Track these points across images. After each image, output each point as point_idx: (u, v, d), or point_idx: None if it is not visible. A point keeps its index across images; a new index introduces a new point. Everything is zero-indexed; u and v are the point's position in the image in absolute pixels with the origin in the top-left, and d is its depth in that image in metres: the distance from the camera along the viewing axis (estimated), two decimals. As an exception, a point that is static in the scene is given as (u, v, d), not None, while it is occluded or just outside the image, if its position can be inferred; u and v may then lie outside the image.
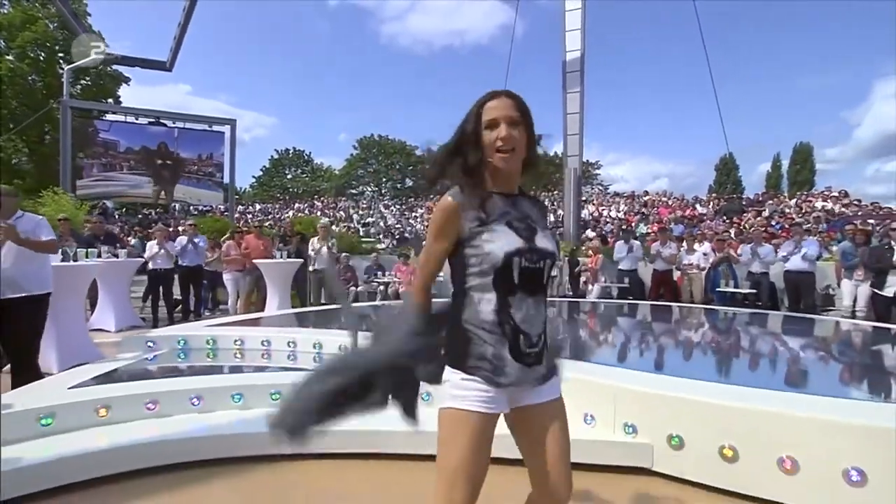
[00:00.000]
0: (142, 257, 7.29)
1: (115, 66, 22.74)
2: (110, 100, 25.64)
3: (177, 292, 7.62)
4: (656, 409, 2.47)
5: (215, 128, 19.16)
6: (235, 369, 3.77)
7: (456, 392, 1.19)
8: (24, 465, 2.25)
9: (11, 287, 3.29)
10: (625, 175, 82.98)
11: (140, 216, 25.23)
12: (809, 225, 10.92)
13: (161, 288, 7.13)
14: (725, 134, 18.32)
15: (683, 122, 72.60)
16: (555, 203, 18.65)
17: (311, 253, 7.44)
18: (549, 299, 1.31)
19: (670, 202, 18.78)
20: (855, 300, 6.62)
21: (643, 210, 17.44)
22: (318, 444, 2.63)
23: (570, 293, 8.47)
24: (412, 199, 33.06)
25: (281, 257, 7.53)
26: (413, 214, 25.55)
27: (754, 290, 7.37)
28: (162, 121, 18.29)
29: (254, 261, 7.41)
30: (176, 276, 7.48)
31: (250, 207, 30.70)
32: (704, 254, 7.99)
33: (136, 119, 17.86)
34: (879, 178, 59.88)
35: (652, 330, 5.43)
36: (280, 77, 79.54)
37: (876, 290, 6.06)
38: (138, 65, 17.74)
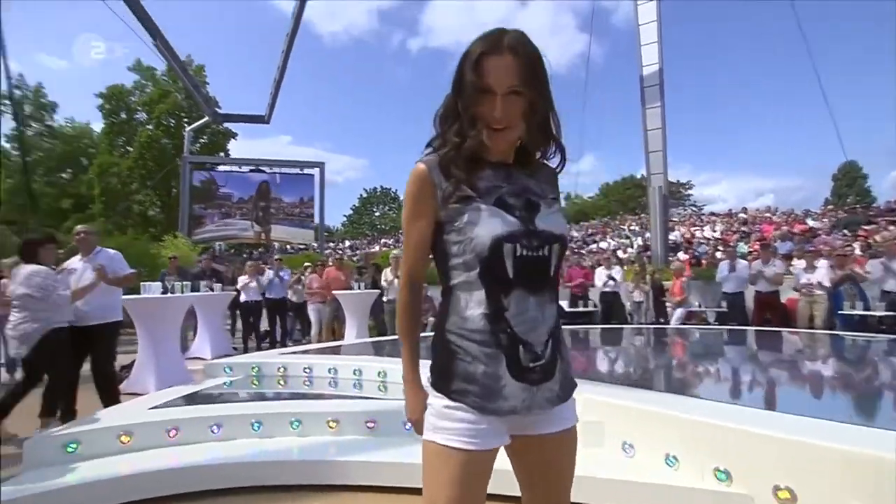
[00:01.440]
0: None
1: (225, 124, 25.75)
2: (221, 153, 29.07)
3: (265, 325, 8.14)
4: (759, 452, 2.02)
5: (306, 171, 20.90)
6: (300, 395, 3.82)
7: (438, 423, 0.96)
8: (98, 480, 2.39)
9: (104, 314, 3.80)
10: (722, 194, 76.01)
11: (244, 255, 27.92)
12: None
13: (252, 318, 7.65)
14: (841, 140, 16.16)
15: (787, 132, 65.67)
16: (642, 226, 17.52)
17: (384, 283, 7.59)
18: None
19: (775, 218, 16.75)
20: None
21: (742, 228, 15.70)
22: (373, 476, 2.55)
23: (655, 319, 7.72)
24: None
25: (358, 288, 7.77)
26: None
27: (892, 312, 6.16)
28: (261, 168, 20.42)
29: (333, 292, 7.73)
30: (264, 309, 8.00)
31: (340, 244, 32.58)
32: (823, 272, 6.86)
33: (240, 168, 20.10)
34: None
35: (755, 360, 4.70)
36: (368, 122, 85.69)
37: None
38: (242, 120, 20.03)
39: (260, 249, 26.81)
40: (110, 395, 3.83)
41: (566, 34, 73.02)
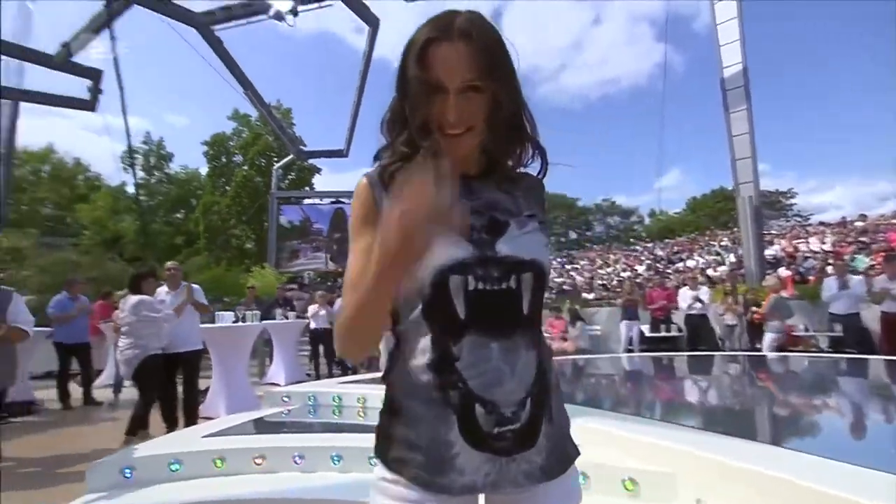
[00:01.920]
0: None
1: (309, 160, 27.68)
2: (307, 188, 31.24)
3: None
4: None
5: (383, 200, 21.75)
6: (351, 427, 3.74)
7: (374, 498, 0.78)
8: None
9: (185, 342, 4.32)
10: (835, 201, 66.49)
11: (328, 283, 29.45)
12: None
13: (322, 346, 7.87)
14: None
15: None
16: (734, 241, 15.88)
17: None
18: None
19: (905, 224, 14.31)
20: None
21: (861, 238, 13.54)
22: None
23: (750, 345, 6.77)
24: (574, 251, 32.42)
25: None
26: (573, 266, 24.58)
27: None
28: (341, 199, 21.59)
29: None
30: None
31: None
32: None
33: (321, 200, 21.45)
34: None
35: (888, 400, 3.85)
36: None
37: None
38: (323, 156, 21.45)
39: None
40: (190, 419, 4.37)
41: (643, 45, 70.64)
